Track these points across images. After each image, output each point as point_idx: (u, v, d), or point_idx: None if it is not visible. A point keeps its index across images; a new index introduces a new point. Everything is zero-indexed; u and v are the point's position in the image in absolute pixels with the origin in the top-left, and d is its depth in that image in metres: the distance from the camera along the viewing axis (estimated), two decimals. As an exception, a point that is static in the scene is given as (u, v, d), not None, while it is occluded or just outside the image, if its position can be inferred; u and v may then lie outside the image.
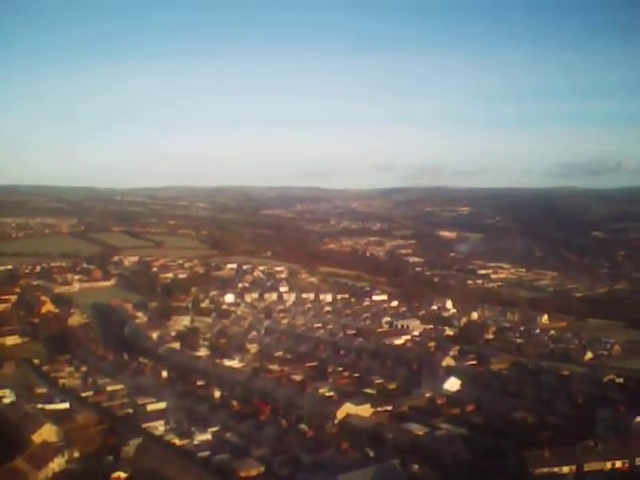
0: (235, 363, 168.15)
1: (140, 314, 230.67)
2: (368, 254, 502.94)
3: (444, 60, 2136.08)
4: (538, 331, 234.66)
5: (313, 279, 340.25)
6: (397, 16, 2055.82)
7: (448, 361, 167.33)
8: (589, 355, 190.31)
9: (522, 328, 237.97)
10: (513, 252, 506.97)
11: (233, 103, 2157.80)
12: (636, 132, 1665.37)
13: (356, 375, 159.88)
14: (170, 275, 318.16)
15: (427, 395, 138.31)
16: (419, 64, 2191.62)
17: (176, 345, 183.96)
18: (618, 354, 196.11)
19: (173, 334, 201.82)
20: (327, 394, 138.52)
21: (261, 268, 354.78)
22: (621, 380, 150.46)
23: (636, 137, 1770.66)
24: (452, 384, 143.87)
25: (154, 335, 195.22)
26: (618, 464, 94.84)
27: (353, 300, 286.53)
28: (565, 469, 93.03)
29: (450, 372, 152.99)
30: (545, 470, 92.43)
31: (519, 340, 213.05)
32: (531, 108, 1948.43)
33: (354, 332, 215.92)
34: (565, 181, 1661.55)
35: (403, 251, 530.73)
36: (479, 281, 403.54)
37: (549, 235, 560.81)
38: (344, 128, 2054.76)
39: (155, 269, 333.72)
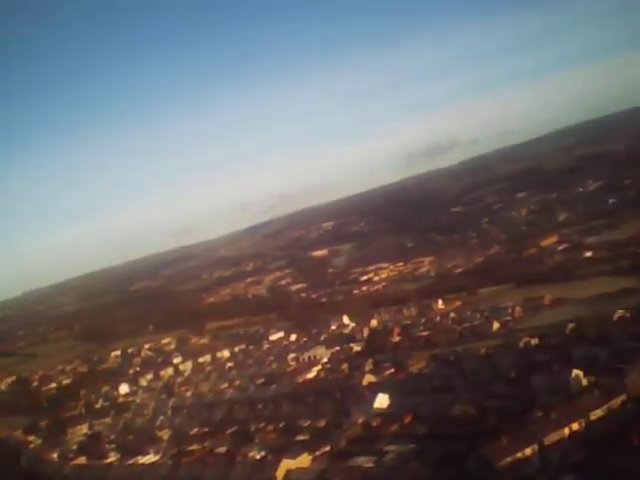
0: (151, 458, 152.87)
1: (32, 437, 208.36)
2: (250, 296, 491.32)
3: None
4: (439, 318, 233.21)
5: (204, 340, 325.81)
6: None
7: (368, 378, 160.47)
8: (496, 325, 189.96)
9: (423, 320, 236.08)
10: (386, 250, 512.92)
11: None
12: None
13: (281, 425, 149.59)
14: (53, 385, 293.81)
15: (360, 421, 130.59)
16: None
17: (81, 459, 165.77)
18: (521, 316, 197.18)
19: (74, 448, 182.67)
20: (258, 456, 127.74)
21: (147, 346, 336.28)
22: (536, 340, 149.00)
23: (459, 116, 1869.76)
24: (381, 401, 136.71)
25: (54, 456, 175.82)
26: (575, 426, 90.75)
27: (252, 347, 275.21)
28: (528, 451, 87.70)
29: (374, 389, 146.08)
30: (509, 459, 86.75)
31: (425, 333, 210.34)
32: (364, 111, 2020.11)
33: (264, 380, 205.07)
34: (411, 170, 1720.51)
35: (283, 282, 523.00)
36: (364, 287, 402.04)
37: (414, 224, 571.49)
38: (193, 177, 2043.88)
39: (35, 383, 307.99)
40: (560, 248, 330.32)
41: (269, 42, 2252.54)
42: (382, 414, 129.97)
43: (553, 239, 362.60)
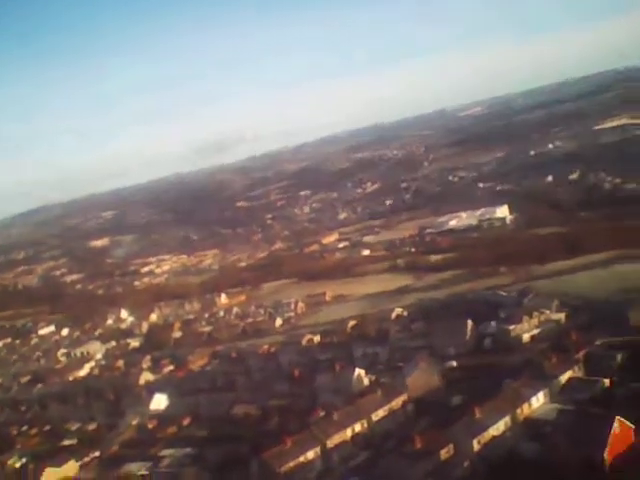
0: None
1: None
2: (20, 286, 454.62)
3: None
4: (222, 313, 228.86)
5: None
6: None
7: (145, 376, 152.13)
8: (279, 322, 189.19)
9: (206, 315, 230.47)
10: (170, 242, 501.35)
11: None
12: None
13: (47, 429, 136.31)
14: None
15: (135, 423, 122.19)
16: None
17: None
18: (304, 312, 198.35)
19: None
20: (18, 464, 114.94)
21: None
22: (319, 338, 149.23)
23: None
24: (158, 401, 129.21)
25: None
26: (358, 427, 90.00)
27: (18, 342, 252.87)
28: (310, 454, 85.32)
29: (152, 388, 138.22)
30: (292, 464, 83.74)
31: (208, 328, 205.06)
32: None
33: (29, 378, 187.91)
34: (200, 163, 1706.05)
35: (57, 272, 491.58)
36: (145, 279, 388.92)
37: (200, 217, 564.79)
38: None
39: None
40: (340, 246, 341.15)
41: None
42: (159, 415, 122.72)
43: (334, 237, 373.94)
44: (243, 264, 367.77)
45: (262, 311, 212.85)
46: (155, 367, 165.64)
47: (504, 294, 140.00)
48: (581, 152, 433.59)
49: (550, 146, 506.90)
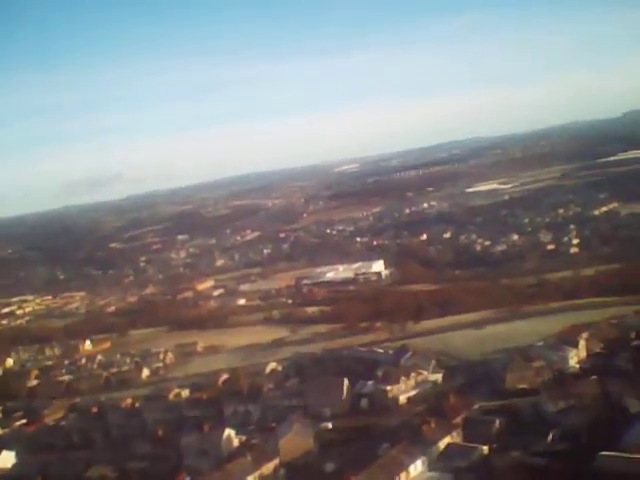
0: None
1: None
2: None
3: None
4: (85, 361, 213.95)
5: None
6: None
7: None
8: (146, 373, 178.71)
9: (67, 362, 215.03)
10: (34, 281, 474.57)
11: None
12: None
13: None
14: None
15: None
16: None
17: None
18: (173, 362, 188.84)
19: None
20: None
21: None
22: (187, 392, 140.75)
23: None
24: (5, 459, 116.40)
25: None
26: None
27: None
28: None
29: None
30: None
31: (67, 377, 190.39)
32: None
33: None
34: (73, 199, 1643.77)
35: None
36: (4, 321, 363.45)
37: (69, 256, 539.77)
38: None
39: None
40: (216, 293, 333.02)
41: None
42: (3, 476, 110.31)
43: (209, 284, 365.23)
44: (112, 308, 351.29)
45: (128, 360, 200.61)
46: (5, 420, 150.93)
47: (381, 352, 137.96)
48: (454, 213, 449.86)
49: (425, 205, 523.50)
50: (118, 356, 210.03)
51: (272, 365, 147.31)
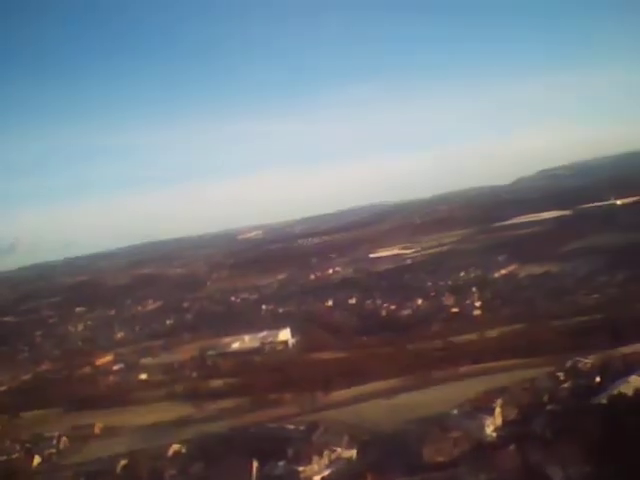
0: None
1: None
2: None
3: None
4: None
5: None
6: None
7: None
8: (37, 460, 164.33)
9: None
10: None
11: None
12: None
13: None
14: None
15: None
16: None
17: None
18: (68, 447, 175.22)
19: None
20: None
21: None
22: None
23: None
24: None
25: None
26: None
27: None
28: None
29: None
30: None
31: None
32: None
33: None
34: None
35: None
36: None
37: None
38: None
39: None
40: (115, 368, 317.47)
41: None
42: None
43: (109, 358, 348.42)
44: (3, 388, 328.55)
45: (18, 446, 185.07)
46: None
47: (291, 427, 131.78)
48: (358, 278, 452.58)
49: (329, 271, 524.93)
50: (7, 442, 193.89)
51: (175, 447, 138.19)
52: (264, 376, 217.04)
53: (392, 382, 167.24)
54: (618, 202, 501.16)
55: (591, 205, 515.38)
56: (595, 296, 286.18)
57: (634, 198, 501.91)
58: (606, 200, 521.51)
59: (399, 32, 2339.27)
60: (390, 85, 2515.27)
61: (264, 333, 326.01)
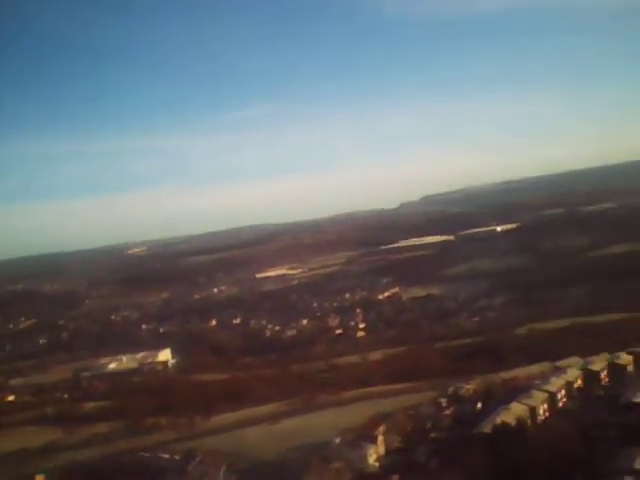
0: None
1: None
2: None
3: None
4: None
5: None
6: None
7: None
8: None
9: None
10: None
11: None
12: None
13: None
14: None
15: None
16: None
17: None
18: None
19: None
20: None
21: None
22: None
23: None
24: None
25: None
26: None
27: None
28: None
29: None
30: None
31: None
32: None
33: None
34: None
35: None
36: None
37: None
38: None
39: None
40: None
41: None
42: None
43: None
44: None
45: None
46: None
47: (166, 457, 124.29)
48: (244, 298, 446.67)
49: (214, 290, 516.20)
50: None
51: (40, 478, 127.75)
52: (140, 399, 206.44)
53: (275, 406, 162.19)
54: (498, 228, 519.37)
55: (472, 231, 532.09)
56: (476, 319, 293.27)
57: (513, 225, 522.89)
58: (487, 226, 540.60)
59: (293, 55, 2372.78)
60: (282, 108, 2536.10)
61: (143, 353, 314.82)
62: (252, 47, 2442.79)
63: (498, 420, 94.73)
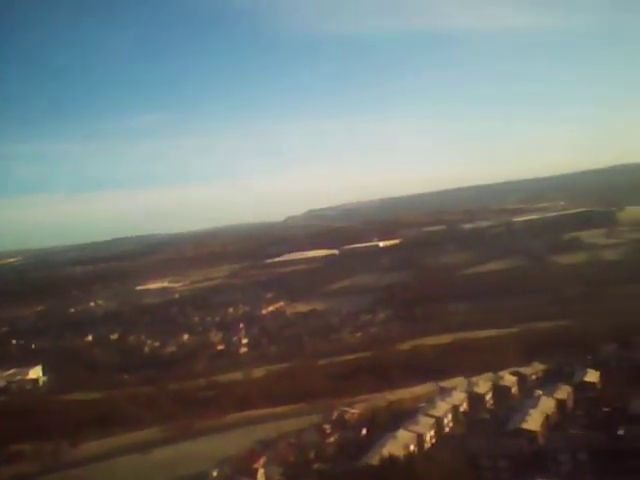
0: None
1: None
2: None
3: None
4: None
5: None
6: None
7: None
8: None
9: None
10: None
11: None
12: None
13: None
14: None
15: None
16: None
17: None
18: None
19: None
20: None
21: None
22: None
23: None
24: None
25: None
26: None
27: None
28: None
29: None
30: None
31: None
32: None
33: None
34: None
35: None
36: None
37: None
38: None
39: None
40: None
41: None
42: None
43: None
44: None
45: None
46: None
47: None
48: (122, 312, 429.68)
49: (91, 304, 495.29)
50: None
51: None
52: (3, 423, 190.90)
53: (149, 433, 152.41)
54: (381, 244, 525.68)
55: (356, 245, 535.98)
56: (359, 335, 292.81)
57: (394, 241, 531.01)
58: (369, 241, 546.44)
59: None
60: (168, 118, 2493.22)
61: (12, 371, 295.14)
62: (138, 52, 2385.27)
63: (385, 451, 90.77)
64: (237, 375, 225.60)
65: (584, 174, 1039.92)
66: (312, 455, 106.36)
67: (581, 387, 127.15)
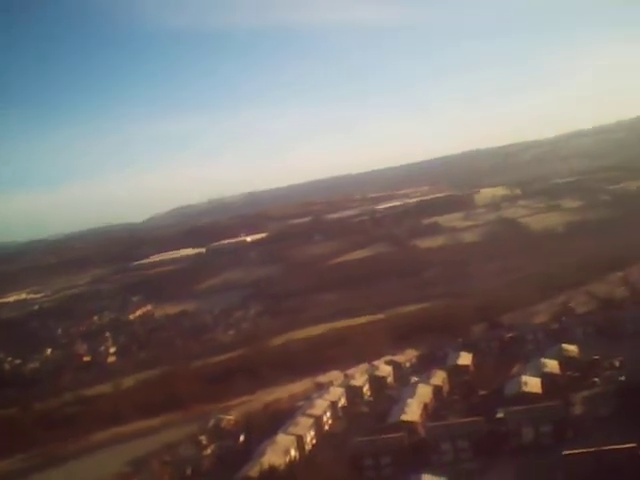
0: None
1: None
2: None
3: None
4: None
5: None
6: None
7: None
8: None
9: None
10: None
11: None
12: None
13: None
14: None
15: None
16: None
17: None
18: None
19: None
20: None
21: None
22: None
23: None
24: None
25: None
26: None
27: None
28: None
29: None
30: None
31: None
32: None
33: None
34: None
35: None
36: None
37: None
38: None
39: None
40: None
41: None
42: None
43: None
44: None
45: None
46: None
47: None
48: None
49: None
50: None
51: None
52: None
53: (12, 461, 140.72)
54: (248, 239, 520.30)
55: (223, 242, 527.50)
56: (231, 332, 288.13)
57: (261, 235, 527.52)
58: (237, 237, 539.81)
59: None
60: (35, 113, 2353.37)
61: None
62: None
63: (265, 460, 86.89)
64: (106, 387, 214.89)
65: (445, 159, 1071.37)
66: (189, 471, 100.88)
67: (455, 370, 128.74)
